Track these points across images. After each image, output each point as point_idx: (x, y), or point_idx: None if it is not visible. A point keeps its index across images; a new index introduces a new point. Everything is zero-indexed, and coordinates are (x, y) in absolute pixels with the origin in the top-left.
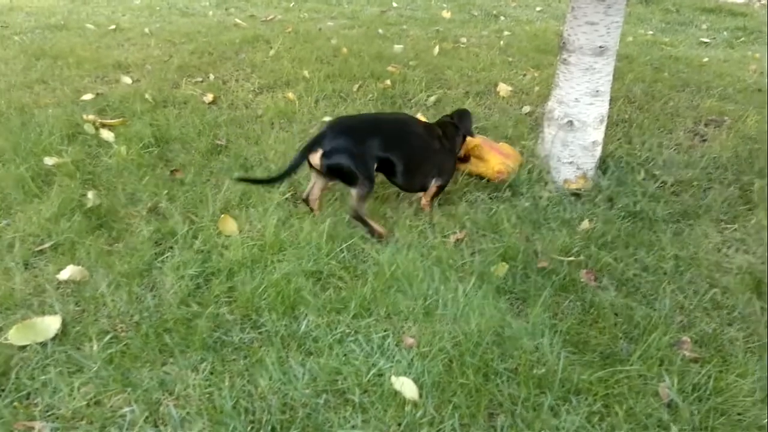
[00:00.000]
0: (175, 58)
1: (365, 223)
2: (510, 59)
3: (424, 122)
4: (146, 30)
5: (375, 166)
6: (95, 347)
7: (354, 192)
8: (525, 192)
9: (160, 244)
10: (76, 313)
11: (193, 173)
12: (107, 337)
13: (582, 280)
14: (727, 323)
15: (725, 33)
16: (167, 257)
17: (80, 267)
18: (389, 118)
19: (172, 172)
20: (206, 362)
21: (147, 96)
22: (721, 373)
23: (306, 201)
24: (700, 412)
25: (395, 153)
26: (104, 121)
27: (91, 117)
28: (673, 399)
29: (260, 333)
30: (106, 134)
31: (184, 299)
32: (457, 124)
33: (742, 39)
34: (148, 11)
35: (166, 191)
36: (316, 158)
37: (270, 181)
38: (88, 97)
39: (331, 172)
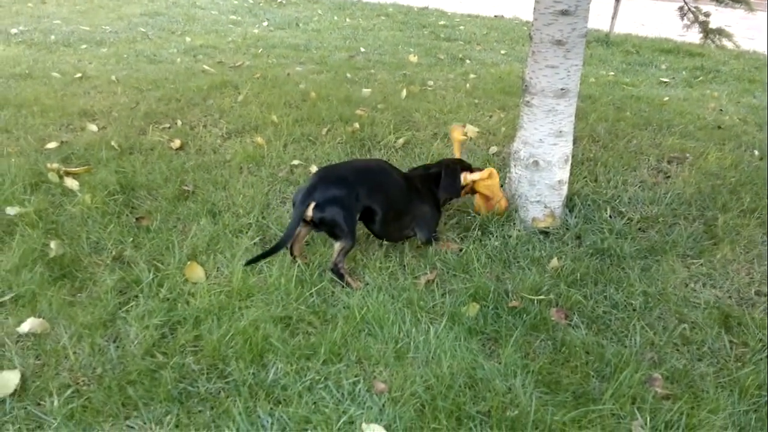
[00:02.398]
0: (142, 104)
1: (342, 278)
2: (476, 101)
3: (406, 172)
4: (113, 77)
5: (358, 216)
6: (56, 402)
7: (337, 245)
8: (494, 231)
9: (125, 293)
10: (36, 367)
11: (159, 220)
12: (68, 392)
13: (553, 318)
14: (697, 358)
15: (684, 72)
16: (132, 306)
17: (41, 319)
18: (374, 166)
19: (137, 219)
20: (171, 415)
21: (113, 143)
22: (693, 410)
23: (291, 251)
24: None
25: (377, 201)
26: (68, 169)
27: (55, 165)
28: None
29: (227, 382)
30: (71, 182)
31: (149, 350)
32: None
33: (700, 78)
34: (115, 59)
35: (131, 239)
36: (308, 210)
37: (277, 249)
38: (52, 145)
39: (322, 224)
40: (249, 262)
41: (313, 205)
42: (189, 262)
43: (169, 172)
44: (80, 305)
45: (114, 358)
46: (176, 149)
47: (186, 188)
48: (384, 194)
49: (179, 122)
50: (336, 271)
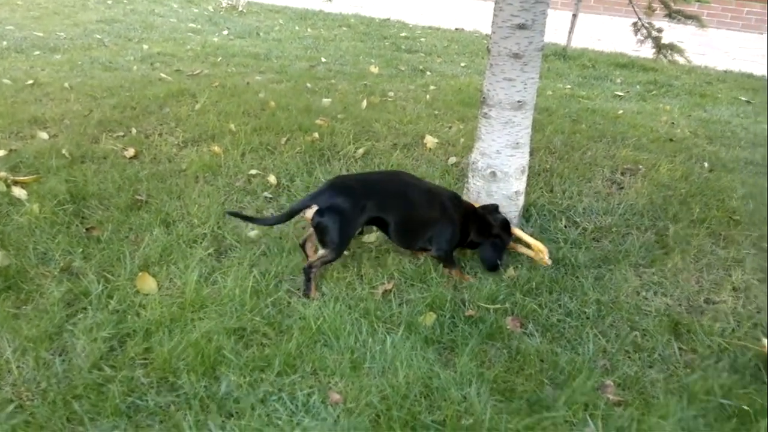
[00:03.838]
0: (95, 112)
1: (308, 281)
2: (436, 112)
3: (432, 186)
4: (66, 84)
5: (360, 230)
6: None
7: (321, 252)
8: None
9: (73, 305)
10: None
11: (111, 230)
12: (11, 407)
13: (508, 327)
14: (648, 365)
15: (638, 86)
16: (79, 319)
17: None
18: (392, 178)
19: (87, 229)
20: (118, 429)
21: (64, 151)
22: (643, 416)
23: (302, 247)
24: None
25: (389, 213)
26: (16, 178)
27: (2, 174)
28: None
29: (178, 396)
30: (18, 192)
31: (96, 363)
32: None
33: (654, 92)
34: (69, 66)
35: (80, 249)
36: (310, 213)
37: (259, 222)
38: (0, 153)
39: (317, 229)
40: (231, 213)
41: (315, 208)
42: (141, 273)
43: (122, 181)
44: (25, 318)
45: (59, 371)
46: (130, 158)
47: (139, 198)
48: (398, 206)
49: (134, 130)
50: (307, 272)
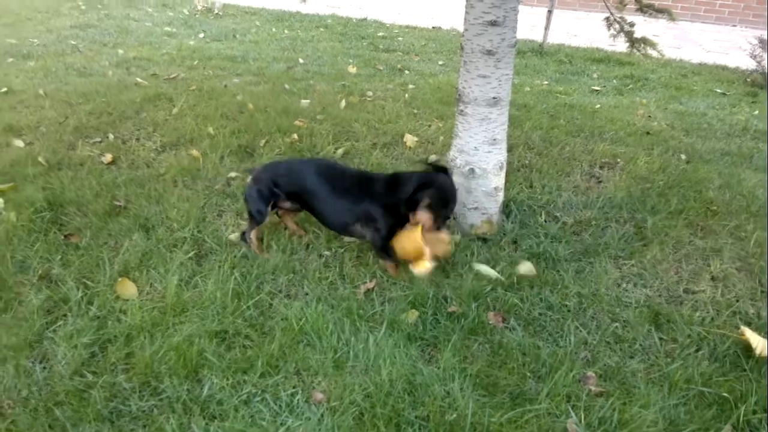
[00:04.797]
0: (71, 119)
1: (247, 244)
2: (415, 111)
3: (366, 172)
4: (41, 91)
5: (271, 203)
6: None
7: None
8: None
9: (52, 312)
10: None
11: (89, 237)
12: None
13: (490, 322)
14: (629, 356)
15: (614, 81)
16: (60, 326)
17: None
18: (314, 162)
19: (66, 236)
20: None
21: (40, 159)
22: (624, 406)
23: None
24: None
25: (303, 191)
26: None
27: None
28: None
29: (160, 400)
30: None
31: (77, 369)
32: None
33: (630, 86)
34: (43, 72)
35: (59, 257)
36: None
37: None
38: None
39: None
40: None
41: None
42: (121, 279)
43: (99, 187)
44: (4, 326)
45: (40, 379)
46: (108, 164)
47: (118, 203)
48: (314, 185)
49: (111, 136)
50: (243, 238)
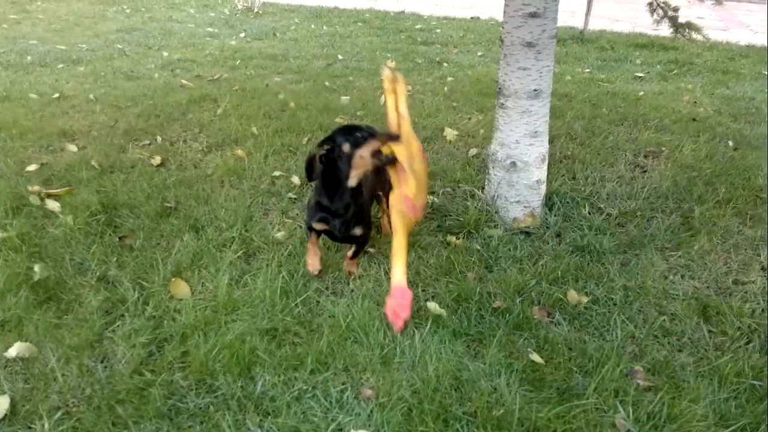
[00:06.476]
0: (121, 122)
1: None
2: (455, 104)
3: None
4: (91, 96)
5: None
6: (46, 425)
7: None
8: (476, 233)
9: (111, 313)
10: (25, 391)
11: (143, 238)
12: (58, 414)
13: (535, 317)
14: (678, 349)
15: (658, 66)
16: (118, 326)
17: (28, 343)
18: None
19: (120, 238)
20: (161, 431)
21: (93, 163)
22: (674, 400)
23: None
24: None
25: None
26: (49, 191)
27: (36, 188)
28: (630, 429)
29: (216, 397)
30: (52, 204)
31: (137, 368)
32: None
33: (675, 71)
34: (93, 77)
35: (115, 258)
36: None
37: None
38: (32, 167)
39: None
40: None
41: None
42: (173, 279)
43: (150, 189)
44: (66, 327)
45: (102, 378)
46: (157, 166)
47: (168, 205)
48: None
49: (159, 138)
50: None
